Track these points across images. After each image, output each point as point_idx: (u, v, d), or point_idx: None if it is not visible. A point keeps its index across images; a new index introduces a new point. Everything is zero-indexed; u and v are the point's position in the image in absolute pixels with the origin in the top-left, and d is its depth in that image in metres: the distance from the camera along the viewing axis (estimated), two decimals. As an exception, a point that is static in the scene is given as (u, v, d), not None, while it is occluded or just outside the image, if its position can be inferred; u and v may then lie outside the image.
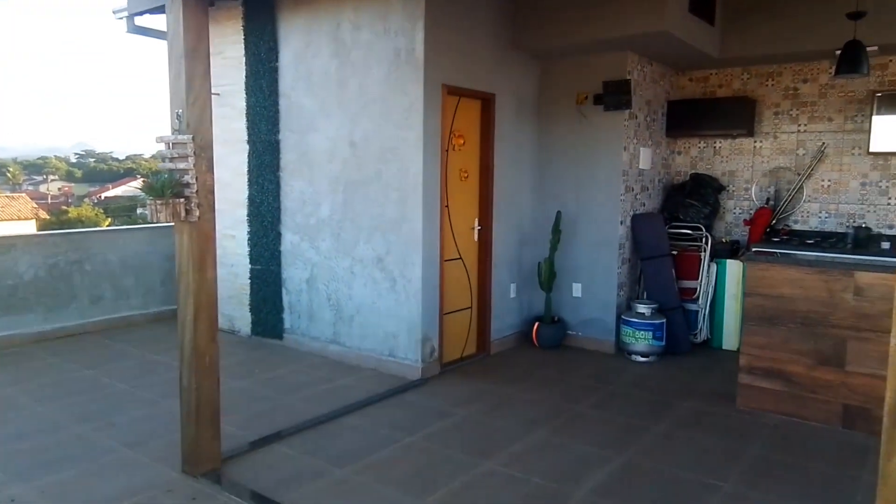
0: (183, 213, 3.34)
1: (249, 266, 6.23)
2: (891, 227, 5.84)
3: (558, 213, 6.02)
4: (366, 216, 5.38)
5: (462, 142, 5.55)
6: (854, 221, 5.98)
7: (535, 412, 4.55)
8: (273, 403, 4.67)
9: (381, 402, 4.71)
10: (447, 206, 5.38)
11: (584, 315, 6.17)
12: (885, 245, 5.61)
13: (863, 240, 5.68)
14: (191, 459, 3.54)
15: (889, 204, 5.85)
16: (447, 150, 5.34)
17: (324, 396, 4.80)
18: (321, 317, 5.77)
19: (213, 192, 3.46)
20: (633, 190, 6.12)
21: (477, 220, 5.76)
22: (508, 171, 5.95)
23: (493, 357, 5.87)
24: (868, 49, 4.89)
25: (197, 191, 3.34)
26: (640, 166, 6.19)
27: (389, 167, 5.19)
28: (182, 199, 3.33)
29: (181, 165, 3.35)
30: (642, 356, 5.77)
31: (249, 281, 6.25)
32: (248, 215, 6.18)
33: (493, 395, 4.89)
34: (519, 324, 6.26)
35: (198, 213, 3.36)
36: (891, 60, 5.62)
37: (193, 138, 3.33)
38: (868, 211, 5.96)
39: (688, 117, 6.51)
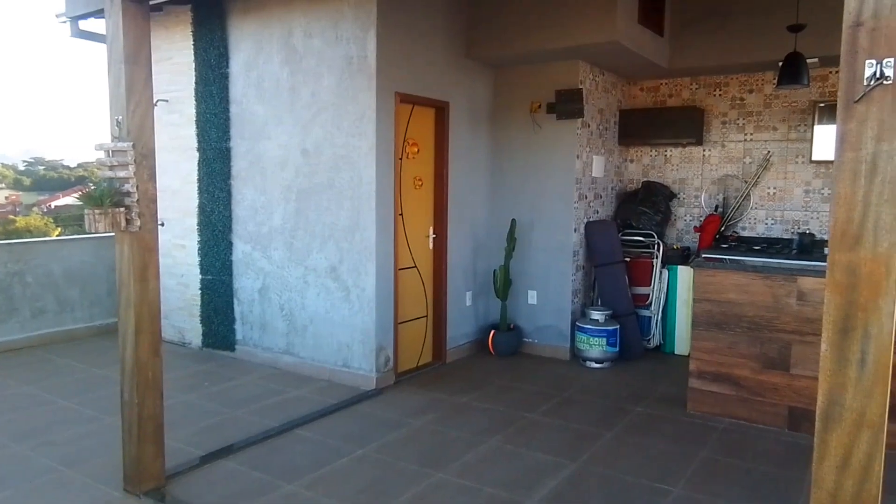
0: (123, 223, 3.24)
1: (200, 276, 6.09)
2: (833, 233, 6.01)
3: (513, 220, 6.05)
4: (319, 225, 5.31)
5: (416, 150, 5.53)
6: (798, 228, 6.16)
7: (490, 421, 4.54)
8: (222, 417, 4.55)
9: (334, 414, 4.64)
10: (401, 215, 5.35)
11: (539, 322, 6.20)
12: (827, 251, 5.77)
13: (807, 245, 5.85)
14: (133, 478, 3.43)
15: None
16: (401, 158, 5.32)
17: (275, 409, 4.71)
18: (274, 327, 5.67)
19: (155, 202, 3.37)
20: (586, 197, 6.19)
21: (432, 228, 5.75)
22: (463, 178, 5.95)
23: (449, 366, 5.85)
24: (808, 61, 5.05)
25: (138, 200, 3.25)
26: (593, 174, 6.27)
27: (342, 175, 5.14)
28: (122, 209, 3.23)
29: (121, 174, 3.25)
30: (596, 362, 5.82)
31: (200, 291, 6.11)
32: (199, 224, 6.04)
33: (447, 404, 4.87)
34: (475, 332, 6.26)
35: (139, 223, 3.26)
36: (831, 72, 5.82)
37: (134, 146, 3.23)
38: (812, 217, 6.14)
39: (639, 126, 6.62)
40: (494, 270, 6.12)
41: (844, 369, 1.65)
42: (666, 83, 6.67)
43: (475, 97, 6.09)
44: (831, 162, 5.86)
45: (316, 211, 5.31)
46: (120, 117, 3.25)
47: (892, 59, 1.52)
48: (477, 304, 6.26)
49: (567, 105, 5.82)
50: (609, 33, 5.10)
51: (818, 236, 6.01)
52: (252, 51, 5.57)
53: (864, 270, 1.60)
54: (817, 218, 6.10)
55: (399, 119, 5.21)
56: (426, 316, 5.76)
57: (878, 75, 1.53)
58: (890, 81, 1.52)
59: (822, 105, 5.88)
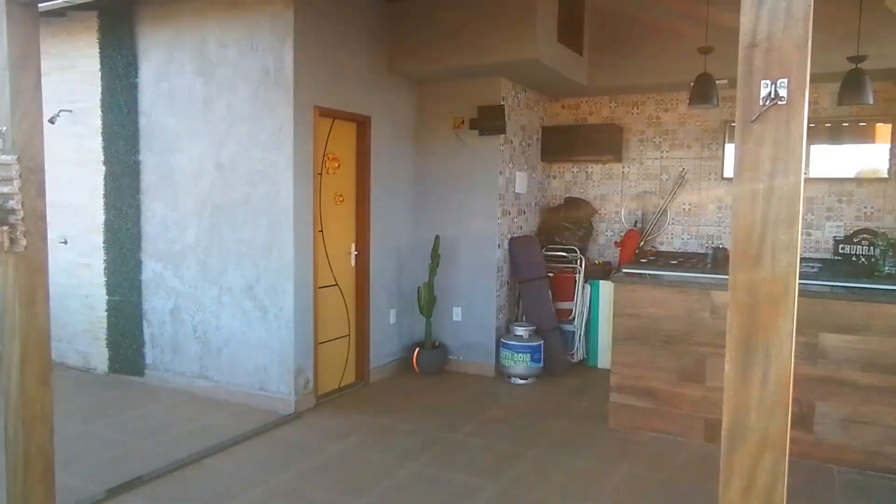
0: (7, 243, 2.97)
1: (106, 297, 5.74)
2: (745, 247, 6.23)
3: (437, 236, 5.99)
4: (234, 242, 5.09)
5: (337, 164, 5.41)
6: (712, 242, 6.36)
7: (412, 443, 4.43)
8: (128, 448, 4.27)
9: (250, 441, 4.42)
10: (321, 231, 5.21)
11: (464, 339, 6.15)
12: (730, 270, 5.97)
13: (721, 260, 6.03)
14: (18, 521, 3.13)
15: (743, 226, 6.25)
16: (321, 174, 5.18)
17: (187, 437, 4.45)
18: (187, 350, 5.39)
19: (44, 219, 3.11)
20: (510, 213, 6.21)
21: (354, 244, 5.62)
22: (386, 194, 5.86)
23: (373, 386, 5.71)
24: (718, 82, 5.23)
25: (24, 217, 2.99)
26: (517, 190, 6.30)
27: (259, 190, 4.96)
28: (6, 227, 2.97)
29: (5, 189, 2.98)
30: (521, 378, 5.81)
31: (106, 313, 5.75)
32: (105, 242, 5.70)
33: (369, 426, 4.73)
34: (399, 350, 6.15)
35: (25, 243, 3.00)
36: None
37: (19, 159, 2.98)
38: (724, 232, 6.35)
39: (561, 143, 6.71)
40: (419, 287, 6.04)
41: (747, 389, 1.64)
42: (586, 101, 6.80)
43: (398, 112, 6.02)
44: (742, 179, 6.13)
45: (231, 228, 5.10)
46: (4, 128, 3.00)
47: (785, 80, 1.53)
48: (401, 321, 6.16)
49: (490, 121, 5.83)
50: (529, 51, 5.14)
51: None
52: (163, 60, 5.33)
53: (763, 290, 1.60)
54: (730, 233, 6.30)
55: (318, 133, 5.07)
56: (348, 335, 5.61)
57: (772, 95, 1.53)
58: (784, 102, 1.53)
59: (732, 124, 6.10)
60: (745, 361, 1.63)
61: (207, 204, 5.20)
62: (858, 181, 5.79)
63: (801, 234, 5.32)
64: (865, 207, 5.80)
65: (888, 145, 5.64)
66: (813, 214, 5.95)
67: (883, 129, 5.67)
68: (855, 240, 5.74)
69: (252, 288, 5.04)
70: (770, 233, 1.56)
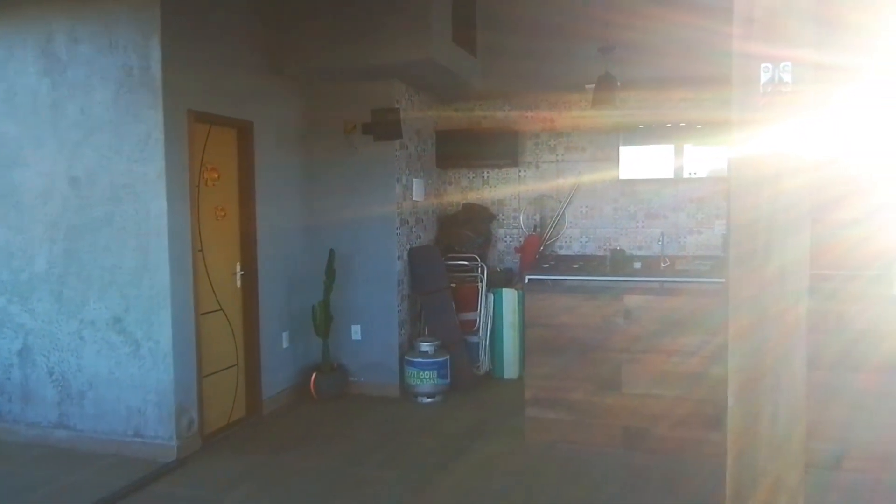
0: None
1: (-65, 339, 4.80)
2: (640, 248, 6.30)
3: (331, 251, 5.54)
4: (96, 268, 4.39)
5: (216, 176, 4.84)
6: (610, 245, 6.35)
7: (315, 484, 3.96)
8: (-34, 525, 3.51)
9: (125, 501, 3.78)
10: (201, 251, 4.62)
11: (365, 359, 5.73)
12: (637, 265, 6.02)
13: (619, 262, 6.04)
14: None
15: (637, 227, 6.31)
16: (198, 186, 4.60)
17: (44, 503, 3.73)
18: (41, 396, 4.60)
19: None
20: (408, 223, 5.88)
21: (239, 263, 5.06)
22: (274, 207, 5.33)
23: (267, 418, 5.16)
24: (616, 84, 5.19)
25: None
26: (414, 198, 5.98)
27: (125, 208, 4.31)
28: None
29: None
30: (428, 397, 5.49)
31: (-64, 358, 4.81)
32: (-69, 274, 4.77)
33: (265, 468, 4.21)
34: (294, 376, 5.62)
35: None
36: (631, 95, 6.08)
37: None
38: (621, 234, 6.37)
39: (456, 147, 6.48)
40: (313, 306, 5.55)
41: (756, 427, 1.39)
42: (480, 104, 6.61)
43: (284, 116, 5.52)
44: (636, 180, 6.17)
45: (92, 252, 4.39)
46: None
47: (789, 63, 1.29)
48: (295, 344, 5.64)
49: (384, 126, 5.48)
50: (425, 51, 4.86)
51: (628, 252, 6.24)
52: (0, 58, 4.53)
53: (771, 310, 1.35)
54: (626, 234, 6.34)
55: (194, 141, 4.50)
56: (236, 364, 5.04)
57: (775, 81, 1.29)
58: (788, 89, 1.29)
59: (624, 127, 6.12)
60: (752, 394, 1.39)
61: (61, 226, 4.46)
62: (743, 180, 5.97)
63: (693, 234, 5.36)
64: (750, 205, 5.99)
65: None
66: (703, 213, 6.08)
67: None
68: (743, 237, 5.92)
69: (120, 320, 4.36)
70: (777, 242, 1.32)
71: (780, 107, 1.32)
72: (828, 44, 4.42)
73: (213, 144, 4.78)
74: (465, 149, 6.47)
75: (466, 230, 6.39)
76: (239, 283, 5.07)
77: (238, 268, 5.05)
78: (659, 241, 6.15)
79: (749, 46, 1.33)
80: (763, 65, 1.32)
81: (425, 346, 5.52)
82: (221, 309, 4.87)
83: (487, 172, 6.68)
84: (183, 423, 4.36)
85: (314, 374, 5.53)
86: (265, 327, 5.23)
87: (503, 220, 6.67)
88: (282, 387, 5.46)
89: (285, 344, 5.52)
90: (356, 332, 5.74)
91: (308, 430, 4.91)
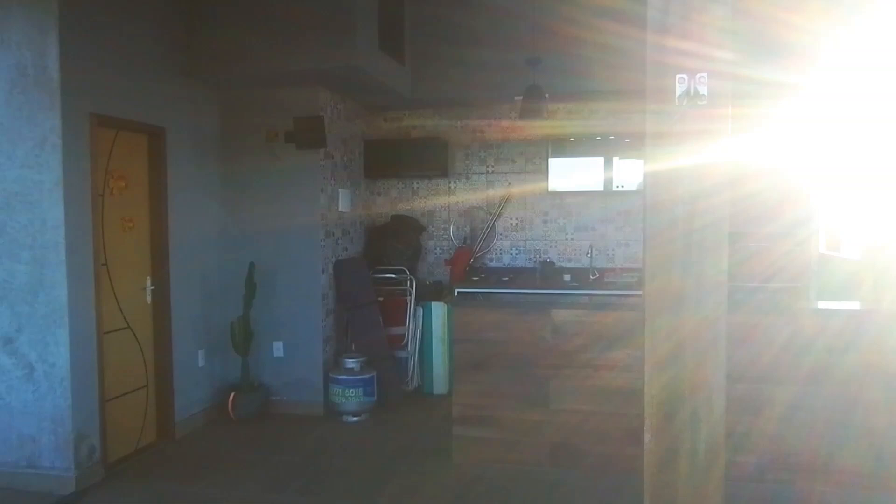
0: None
1: None
2: (569, 260, 6.29)
3: (251, 264, 5.27)
4: (-16, 283, 4.02)
5: (124, 184, 4.53)
6: (540, 257, 6.32)
7: (231, 513, 3.72)
8: None
9: (11, 540, 3.44)
10: (105, 265, 4.29)
11: (288, 377, 5.48)
12: (567, 278, 6.00)
13: (548, 274, 6.01)
14: None
15: (566, 239, 6.30)
16: (102, 195, 4.28)
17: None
18: (-80, 425, 4.16)
19: None
20: (333, 234, 5.67)
21: (149, 278, 4.74)
22: (188, 217, 5.04)
23: (180, 443, 4.84)
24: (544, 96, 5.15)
25: None
26: (340, 209, 5.79)
27: (17, 219, 3.95)
28: None
29: None
30: (354, 415, 5.28)
31: None
32: None
33: (175, 498, 3.93)
34: (211, 396, 5.32)
35: None
36: (559, 107, 6.08)
37: None
38: (550, 246, 6.34)
39: (385, 158, 6.33)
40: (232, 322, 5.27)
41: (674, 464, 1.29)
42: (409, 114, 6.48)
43: (201, 123, 5.25)
44: (565, 192, 6.16)
45: (-21, 265, 4.02)
46: None
47: (705, 74, 1.20)
48: (213, 363, 5.34)
49: (307, 134, 5.27)
50: (348, 57, 4.69)
51: (558, 264, 6.23)
52: None
53: (688, 338, 1.25)
54: (555, 246, 6.32)
55: (98, 147, 4.19)
56: (146, 386, 4.71)
57: (691, 93, 1.20)
58: (704, 102, 1.20)
59: (553, 139, 6.10)
60: (670, 430, 1.29)
61: (-56, 236, 4.06)
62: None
63: (621, 246, 5.37)
64: (676, 218, 6.06)
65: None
66: (631, 226, 6.12)
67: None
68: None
69: (12, 340, 3.99)
70: (694, 261, 1.22)
71: (696, 120, 1.23)
72: (764, 61, 4.51)
73: (120, 151, 4.47)
74: (395, 159, 6.32)
75: (395, 242, 6.24)
76: (149, 299, 4.75)
77: (148, 282, 4.74)
78: (588, 253, 6.15)
79: (663, 56, 1.23)
80: (678, 76, 1.22)
81: (351, 363, 5.31)
82: (129, 327, 4.54)
83: (417, 183, 6.55)
84: (82, 451, 4.02)
85: (232, 394, 5.24)
86: (179, 345, 4.92)
87: (433, 231, 6.55)
88: (197, 408, 5.14)
89: (201, 362, 5.21)
90: (278, 348, 5.49)
91: (224, 455, 4.63)
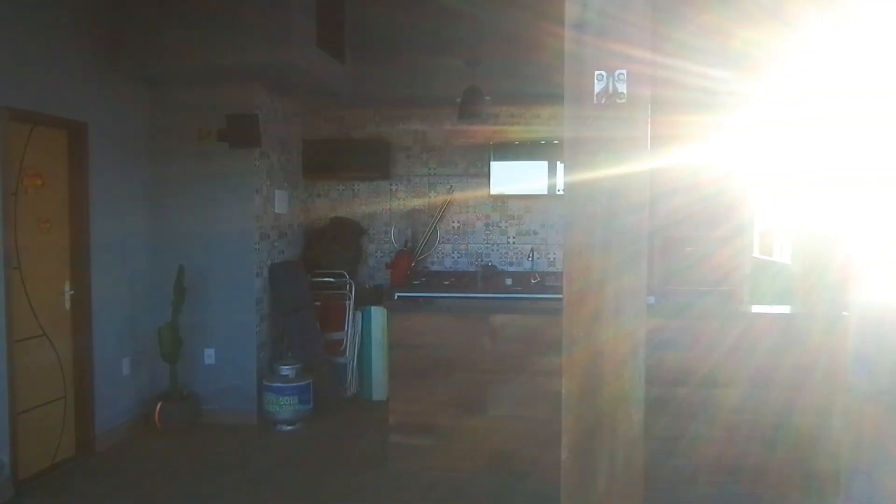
0: None
1: None
2: (511, 263, 6.26)
3: (181, 266, 5.04)
4: None
5: (40, 182, 4.26)
6: (481, 260, 6.27)
7: (151, 531, 3.52)
8: None
9: None
10: (18, 268, 4.02)
11: (220, 385, 5.26)
12: (509, 282, 5.97)
13: (490, 278, 5.98)
14: None
15: (508, 242, 6.27)
16: (15, 194, 4.01)
17: None
18: None
19: None
20: (269, 237, 5.49)
21: (68, 282, 4.48)
22: (113, 218, 4.79)
23: (102, 456, 4.58)
24: (484, 98, 5.11)
25: None
26: (276, 210, 5.61)
27: (-83, 217, 3.67)
28: None
29: None
30: (289, 424, 5.11)
31: None
32: None
33: (92, 516, 3.71)
34: (136, 406, 5.06)
35: None
36: (502, 110, 6.05)
37: None
38: (492, 250, 6.31)
39: (325, 158, 6.18)
40: (160, 328, 5.03)
41: (593, 481, 1.22)
42: (350, 114, 6.34)
43: (127, 119, 5.00)
44: (506, 195, 6.13)
45: None
46: None
47: (624, 71, 1.13)
48: (138, 371, 5.09)
49: (241, 132, 5.08)
50: (284, 53, 4.54)
51: (499, 268, 6.19)
52: None
53: (606, 350, 1.19)
54: (497, 250, 6.29)
55: (11, 142, 3.93)
56: (64, 397, 4.44)
57: (609, 91, 1.13)
58: (623, 100, 1.14)
59: (493, 143, 6.07)
60: (588, 446, 1.22)
61: None
62: (609, 198, 6.09)
63: (562, 249, 5.38)
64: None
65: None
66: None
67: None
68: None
69: None
70: (612, 270, 1.16)
71: (615, 126, 1.17)
72: (719, 66, 4.53)
73: (36, 147, 4.20)
74: (335, 160, 6.18)
75: (335, 245, 6.09)
76: (68, 305, 4.49)
77: (67, 287, 4.47)
78: (529, 257, 6.14)
79: (581, 53, 1.17)
80: (597, 72, 1.16)
81: (286, 370, 5.14)
82: (45, 334, 4.27)
83: (358, 185, 6.42)
84: (-11, 468, 3.76)
85: (159, 404, 5.00)
86: (101, 353, 4.67)
87: (374, 235, 6.42)
88: (121, 420, 4.89)
89: (126, 371, 4.96)
90: (209, 355, 5.27)
91: (149, 468, 4.41)
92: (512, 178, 6.10)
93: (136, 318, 5.06)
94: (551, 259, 6.20)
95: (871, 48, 3.23)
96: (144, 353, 5.11)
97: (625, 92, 1.15)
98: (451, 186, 6.28)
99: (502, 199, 6.24)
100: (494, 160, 6.07)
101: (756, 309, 5.18)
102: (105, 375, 4.71)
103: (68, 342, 4.50)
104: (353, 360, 5.86)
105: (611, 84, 1.15)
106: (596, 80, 1.16)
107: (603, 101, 1.16)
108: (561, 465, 1.27)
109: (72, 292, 4.49)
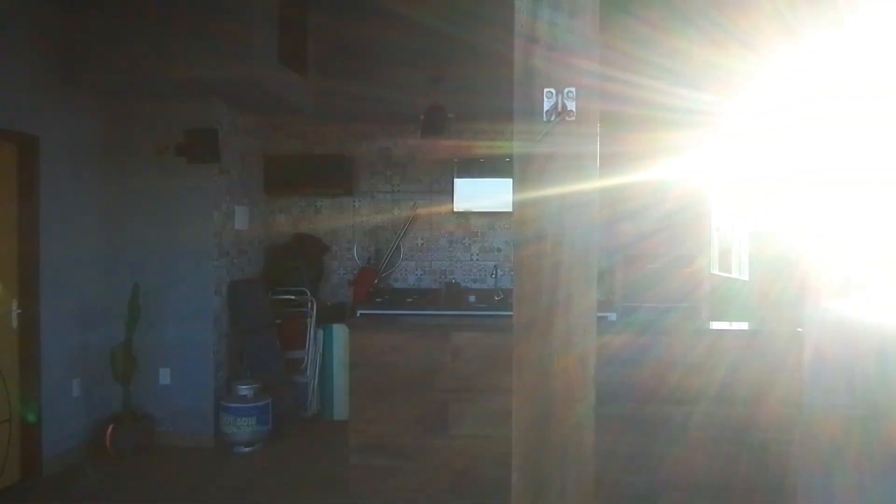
0: None
1: None
2: (475, 280, 6.25)
3: (136, 284, 4.91)
4: None
5: (-13, 197, 4.12)
6: (445, 278, 6.25)
7: (98, 560, 3.38)
8: None
9: None
10: (-40, 286, 3.87)
11: (175, 406, 5.12)
12: (472, 299, 5.96)
13: (454, 296, 5.95)
14: None
15: (472, 259, 6.27)
16: (-41, 209, 3.87)
17: None
18: None
19: None
20: (229, 254, 5.39)
21: (15, 301, 4.32)
22: (64, 235, 4.65)
23: (48, 482, 4.40)
24: (448, 115, 5.11)
25: None
26: (236, 227, 5.51)
27: None
28: None
29: None
30: (246, 446, 4.98)
31: None
32: None
33: (36, 545, 3.54)
34: (87, 429, 4.88)
35: None
36: (465, 126, 6.06)
37: None
38: (456, 267, 6.29)
39: (287, 174, 6.10)
40: (113, 349, 4.87)
41: (542, 501, 1.19)
42: (313, 130, 6.29)
43: (81, 133, 4.88)
44: (470, 213, 6.14)
45: None
46: None
47: (573, 88, 1.13)
48: (90, 392, 4.91)
49: (200, 148, 4.99)
50: (244, 67, 4.50)
51: (463, 285, 6.18)
52: None
53: (556, 368, 1.17)
54: (461, 267, 6.28)
55: (-45, 155, 3.79)
56: (9, 420, 4.26)
57: (559, 109, 1.13)
58: (573, 118, 1.13)
59: (457, 160, 6.07)
60: (538, 466, 1.19)
61: None
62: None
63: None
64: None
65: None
66: (535, 248, 6.15)
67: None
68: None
69: None
70: (562, 291, 1.14)
71: (565, 141, 1.16)
72: (683, 84, 4.59)
73: (-18, 160, 4.07)
74: (297, 176, 6.11)
75: (297, 262, 6.01)
76: (15, 324, 4.33)
77: (14, 305, 4.31)
78: (493, 274, 6.14)
79: (530, 65, 1.16)
80: (546, 90, 1.15)
81: (244, 390, 5.02)
82: (-11, 355, 4.11)
83: (320, 201, 6.36)
84: (-75, 497, 3.57)
85: (111, 426, 4.83)
86: (49, 374, 4.50)
87: (336, 252, 6.36)
88: (70, 443, 4.71)
89: (76, 392, 4.79)
90: (165, 375, 5.13)
91: (98, 494, 4.25)
92: (476, 194, 6.10)
93: (88, 338, 4.90)
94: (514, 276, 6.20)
95: (834, 56, 3.30)
96: (97, 374, 4.94)
97: (574, 109, 1.14)
98: (415, 203, 6.26)
99: (466, 216, 6.24)
100: (458, 177, 6.07)
101: (715, 325, 5.25)
102: (53, 397, 4.54)
103: (14, 363, 4.32)
104: (315, 380, 5.76)
105: (559, 101, 1.14)
106: (545, 98, 1.15)
107: (553, 118, 1.15)
108: (512, 487, 1.24)
109: (19, 311, 4.33)
